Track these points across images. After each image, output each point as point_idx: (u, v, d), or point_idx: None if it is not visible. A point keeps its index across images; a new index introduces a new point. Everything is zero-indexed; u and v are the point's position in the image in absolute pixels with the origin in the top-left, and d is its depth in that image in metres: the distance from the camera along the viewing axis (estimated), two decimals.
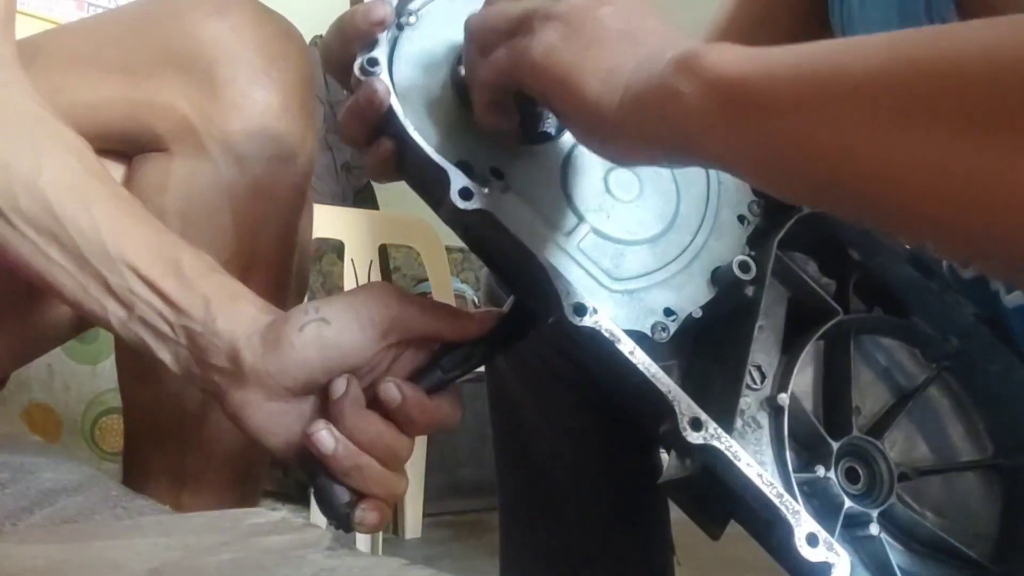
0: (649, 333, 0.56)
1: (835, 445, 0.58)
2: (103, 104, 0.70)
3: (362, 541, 1.74)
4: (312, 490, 0.54)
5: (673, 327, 0.56)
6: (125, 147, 0.72)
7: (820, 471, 0.57)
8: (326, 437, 0.52)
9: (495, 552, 0.89)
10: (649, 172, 0.60)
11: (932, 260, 0.64)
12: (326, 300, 0.55)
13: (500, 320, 0.56)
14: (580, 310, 0.50)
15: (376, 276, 2.44)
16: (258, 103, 0.71)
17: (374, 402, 0.54)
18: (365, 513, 0.53)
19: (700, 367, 0.59)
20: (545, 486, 0.83)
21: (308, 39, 0.83)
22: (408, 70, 0.55)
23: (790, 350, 0.59)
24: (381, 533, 1.96)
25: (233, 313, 0.54)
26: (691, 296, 0.58)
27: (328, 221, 2.30)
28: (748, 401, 0.57)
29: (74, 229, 0.56)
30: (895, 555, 0.58)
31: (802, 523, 0.48)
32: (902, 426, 0.63)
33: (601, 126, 0.43)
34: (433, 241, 2.48)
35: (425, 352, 0.56)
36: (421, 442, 2.34)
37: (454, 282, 2.66)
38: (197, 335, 0.54)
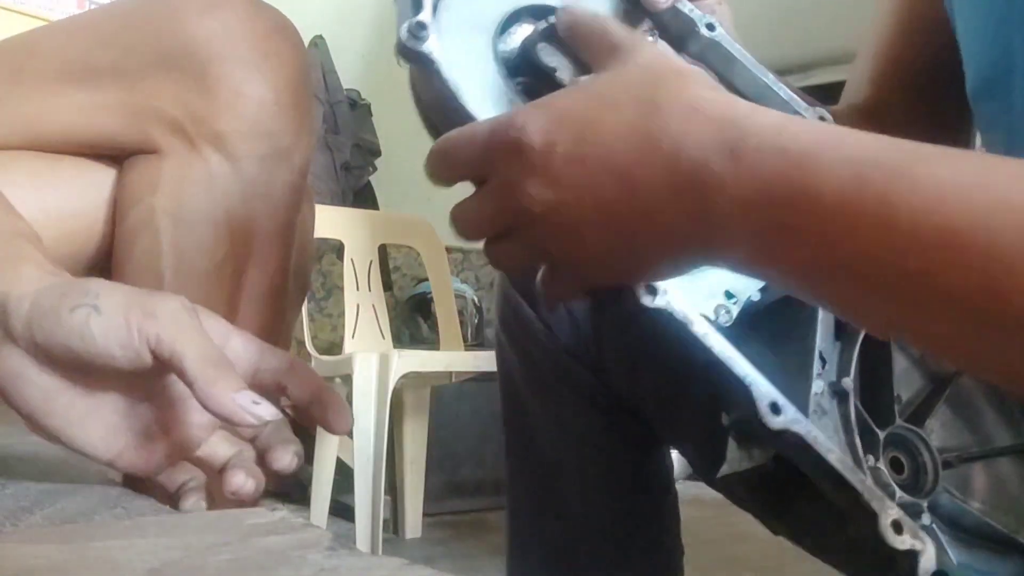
0: (713, 316, 0.54)
1: (882, 434, 0.56)
2: (98, 110, 0.69)
3: (362, 541, 1.74)
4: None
5: (736, 310, 0.55)
6: (118, 151, 0.71)
7: (870, 460, 0.55)
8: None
9: (495, 551, 0.89)
10: None
11: None
12: (115, 286, 0.49)
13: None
14: (652, 290, 0.47)
15: (376, 276, 2.44)
16: (251, 101, 0.70)
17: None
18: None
19: (753, 350, 0.57)
20: (554, 486, 0.83)
21: (308, 39, 0.82)
22: (449, 37, 0.53)
23: (843, 334, 0.58)
24: (381, 533, 1.96)
25: (12, 275, 0.49)
26: (751, 278, 0.55)
27: (328, 221, 2.30)
28: (814, 387, 0.54)
29: None
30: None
31: (887, 510, 0.46)
32: (938, 413, 0.61)
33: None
34: (433, 241, 2.48)
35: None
36: (421, 442, 2.34)
37: (454, 282, 2.66)
38: None
